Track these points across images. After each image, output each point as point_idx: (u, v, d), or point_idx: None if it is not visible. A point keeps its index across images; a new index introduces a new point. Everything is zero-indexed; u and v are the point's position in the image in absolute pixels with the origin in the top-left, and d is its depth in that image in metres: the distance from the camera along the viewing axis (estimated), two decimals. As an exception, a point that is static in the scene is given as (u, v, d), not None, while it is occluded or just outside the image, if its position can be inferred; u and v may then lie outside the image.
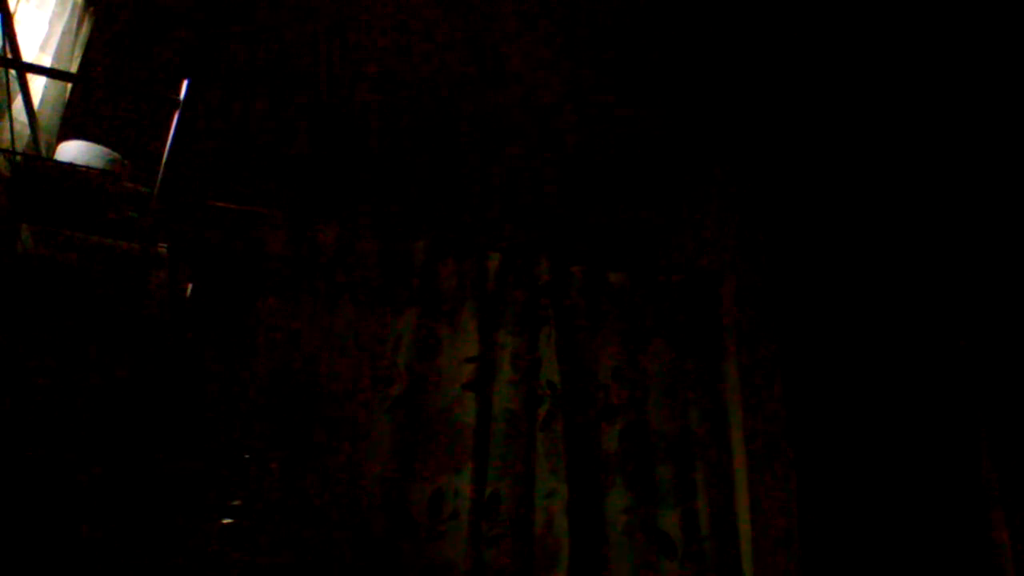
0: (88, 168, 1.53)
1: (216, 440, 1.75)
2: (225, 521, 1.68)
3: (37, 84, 1.69)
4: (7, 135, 1.47)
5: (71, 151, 1.62)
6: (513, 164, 2.68)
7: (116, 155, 1.66)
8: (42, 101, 1.70)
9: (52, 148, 1.73)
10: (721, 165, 2.43)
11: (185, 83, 1.43)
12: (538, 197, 2.84)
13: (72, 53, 1.80)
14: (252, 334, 1.89)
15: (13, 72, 1.46)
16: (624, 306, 2.21)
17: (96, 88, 2.27)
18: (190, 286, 1.86)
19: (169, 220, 1.68)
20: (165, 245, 1.54)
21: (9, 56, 1.39)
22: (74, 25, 1.79)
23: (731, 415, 2.13)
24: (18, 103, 1.52)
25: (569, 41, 2.18)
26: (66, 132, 1.88)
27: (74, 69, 1.83)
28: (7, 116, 1.48)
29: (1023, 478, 2.17)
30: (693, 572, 1.93)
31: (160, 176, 1.37)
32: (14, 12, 1.49)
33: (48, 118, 1.73)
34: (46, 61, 1.67)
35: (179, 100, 1.41)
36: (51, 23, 1.70)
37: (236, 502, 1.70)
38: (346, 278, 2.02)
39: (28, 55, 1.62)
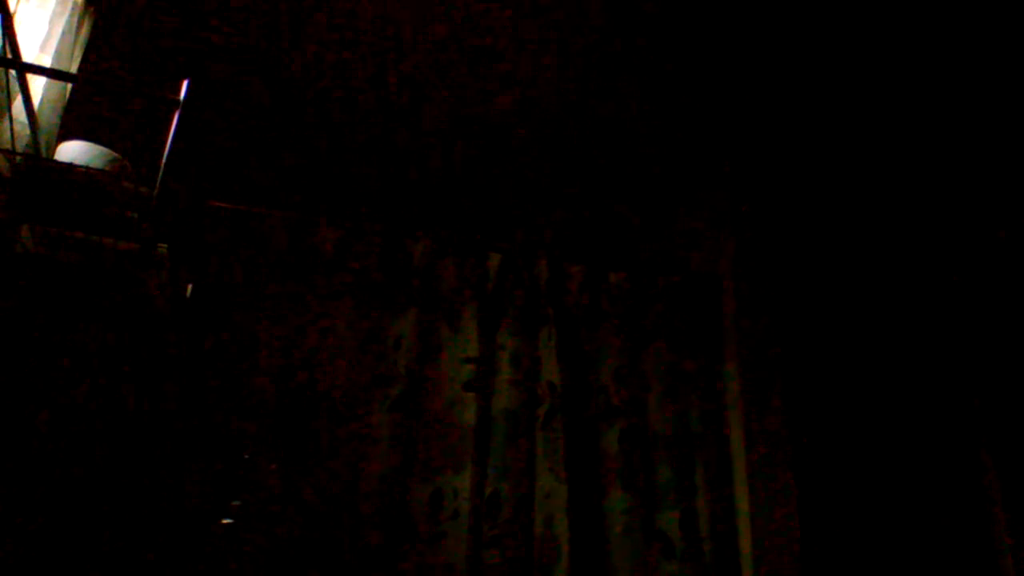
0: (88, 168, 1.53)
1: (216, 440, 1.75)
2: (225, 521, 1.68)
3: (37, 84, 1.69)
4: (7, 135, 1.47)
5: (71, 151, 1.62)
6: (513, 165, 2.68)
7: (116, 155, 1.66)
8: (42, 101, 1.70)
9: (52, 148, 1.73)
10: (721, 166, 2.43)
11: (185, 83, 1.43)
12: (538, 197, 2.84)
13: (72, 53, 1.80)
14: (252, 334, 1.89)
15: (13, 72, 1.46)
16: (624, 307, 2.21)
17: (96, 88, 2.27)
18: (190, 286, 1.86)
19: (169, 220, 1.68)
20: (165, 245, 1.54)
21: (9, 56, 1.39)
22: (74, 25, 1.79)
23: (731, 415, 2.13)
24: (18, 103, 1.52)
25: (568, 43, 2.18)
26: (66, 132, 1.87)
27: (74, 69, 1.83)
28: (7, 116, 1.48)
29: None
30: (692, 572, 1.93)
31: (160, 176, 1.37)
32: (14, 12, 1.49)
33: (48, 118, 1.73)
34: (46, 61, 1.67)
35: (179, 100, 1.41)
36: (51, 23, 1.70)
37: (236, 502, 1.70)
38: (346, 278, 2.02)
39: (28, 55, 1.62)
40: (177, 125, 1.40)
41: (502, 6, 2.08)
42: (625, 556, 1.91)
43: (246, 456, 1.75)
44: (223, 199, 2.00)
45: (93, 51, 2.10)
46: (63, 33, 1.73)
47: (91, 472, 1.36)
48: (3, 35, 1.34)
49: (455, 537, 1.83)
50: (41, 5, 1.68)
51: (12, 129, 1.48)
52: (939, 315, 2.41)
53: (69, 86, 1.83)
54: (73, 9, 1.78)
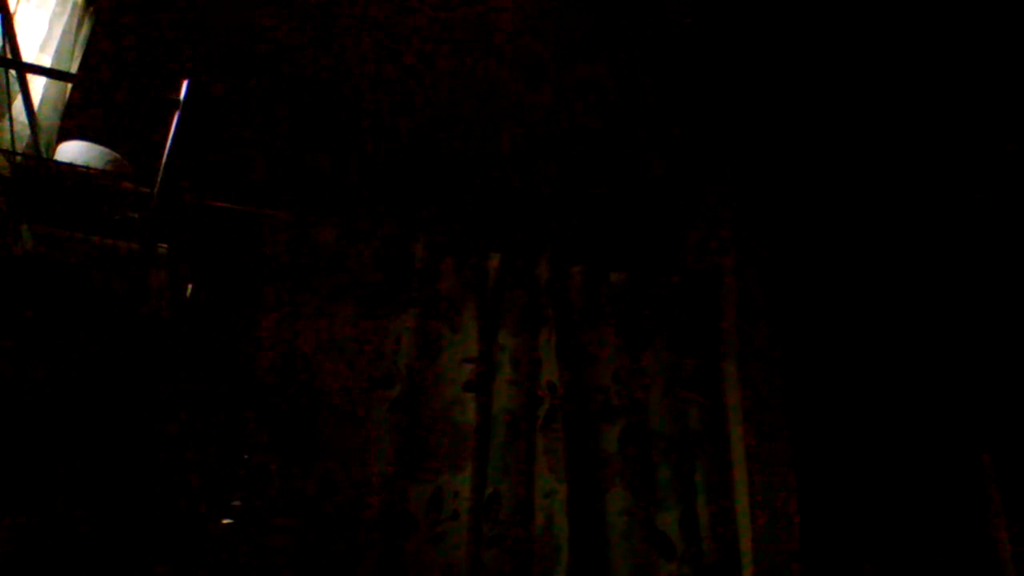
0: (88, 168, 1.53)
1: (216, 440, 1.75)
2: (225, 521, 1.68)
3: (37, 84, 1.69)
4: (7, 135, 1.47)
5: (71, 151, 1.62)
6: (514, 165, 2.68)
7: (116, 155, 1.66)
8: (42, 101, 1.70)
9: (52, 148, 1.73)
10: (721, 166, 2.43)
11: (185, 83, 1.43)
12: (538, 197, 2.84)
13: (72, 53, 1.80)
14: (252, 334, 1.89)
15: (13, 72, 1.46)
16: (624, 306, 2.21)
17: (96, 88, 2.27)
18: (190, 286, 1.86)
19: (169, 220, 1.68)
20: (165, 245, 1.54)
21: (9, 56, 1.39)
22: (74, 25, 1.79)
23: (731, 415, 2.13)
24: (18, 103, 1.52)
25: (569, 42, 2.18)
26: (66, 132, 1.88)
27: (74, 69, 1.83)
28: (7, 116, 1.48)
29: None
30: (692, 572, 1.93)
31: (160, 176, 1.37)
32: (14, 12, 1.49)
33: (48, 118, 1.73)
34: (46, 61, 1.67)
35: (179, 100, 1.41)
36: (51, 23, 1.70)
37: (236, 502, 1.70)
38: (346, 278, 2.02)
39: (28, 55, 1.62)
40: (177, 125, 1.40)
41: (504, 9, 2.08)
42: (625, 556, 1.91)
43: (246, 456, 1.75)
44: (223, 199, 2.00)
45: (93, 51, 2.10)
46: (63, 33, 1.73)
47: (90, 472, 1.36)
48: (3, 35, 1.34)
49: (455, 537, 1.83)
50: (41, 5, 1.68)
51: (12, 129, 1.48)
52: (940, 315, 2.41)
53: (69, 86, 1.83)
54: (73, 9, 1.78)
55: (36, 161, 1.52)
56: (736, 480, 2.06)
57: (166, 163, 1.39)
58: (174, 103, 1.41)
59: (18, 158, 1.47)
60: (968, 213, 2.46)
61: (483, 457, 1.93)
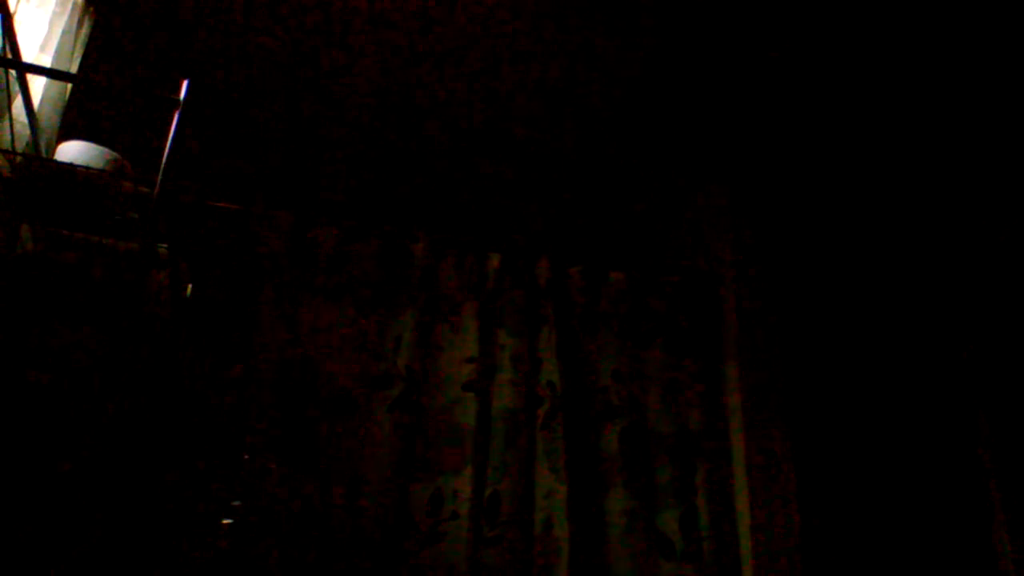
0: (88, 168, 1.53)
1: (216, 440, 1.75)
2: (225, 521, 1.68)
3: (37, 84, 1.69)
4: (7, 135, 1.47)
5: (71, 151, 1.62)
6: (514, 165, 2.68)
7: (116, 155, 1.66)
8: (42, 101, 1.70)
9: (52, 148, 1.74)
10: (722, 166, 2.43)
11: (185, 83, 1.43)
12: (538, 197, 2.84)
13: (72, 53, 1.80)
14: (252, 334, 1.89)
15: (13, 72, 1.46)
16: (624, 306, 2.21)
17: (96, 88, 2.27)
18: (190, 286, 1.86)
19: (169, 220, 1.68)
20: (165, 245, 1.54)
21: (9, 56, 1.39)
22: (74, 25, 1.79)
23: (731, 415, 2.13)
24: (18, 103, 1.52)
25: (570, 44, 2.18)
26: (66, 132, 1.88)
27: (74, 69, 1.83)
28: (7, 116, 1.48)
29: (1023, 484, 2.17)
30: (692, 572, 1.93)
31: (160, 176, 1.37)
32: (14, 12, 1.49)
33: (48, 118, 1.73)
34: (46, 61, 1.67)
35: (179, 100, 1.41)
36: (51, 23, 1.70)
37: (236, 502, 1.70)
38: (346, 278, 2.02)
39: (28, 55, 1.62)
40: (177, 125, 1.40)
41: (504, 9, 2.08)
42: (625, 556, 1.91)
43: (246, 456, 1.75)
44: (223, 199, 2.00)
45: (93, 51, 2.10)
46: (63, 33, 1.73)
47: (90, 473, 1.36)
48: (3, 35, 1.34)
49: (455, 537, 1.83)
50: (41, 5, 1.68)
51: (12, 129, 1.48)
52: (940, 314, 2.41)
53: (69, 86, 1.83)
54: (73, 9, 1.78)
55: (36, 161, 1.52)
56: (736, 480, 2.06)
57: (166, 163, 1.39)
58: (174, 103, 1.41)
59: (18, 158, 1.48)
60: (968, 216, 2.46)
61: (483, 457, 1.93)
